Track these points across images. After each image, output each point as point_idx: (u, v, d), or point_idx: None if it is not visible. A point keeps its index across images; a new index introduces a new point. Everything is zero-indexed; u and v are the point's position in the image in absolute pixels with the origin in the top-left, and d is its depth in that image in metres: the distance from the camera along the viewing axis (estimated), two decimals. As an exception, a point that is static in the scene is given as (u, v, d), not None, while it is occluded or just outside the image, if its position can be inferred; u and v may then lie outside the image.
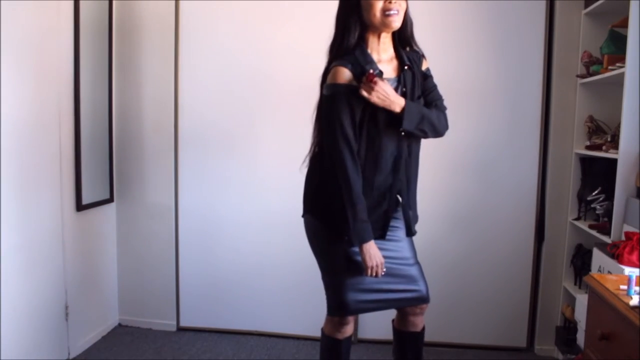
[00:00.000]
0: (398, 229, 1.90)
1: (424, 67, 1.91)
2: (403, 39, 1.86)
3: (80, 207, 2.68)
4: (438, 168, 2.83)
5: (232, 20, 2.89)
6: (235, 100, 2.92)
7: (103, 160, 2.92)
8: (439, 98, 1.91)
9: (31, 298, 2.37)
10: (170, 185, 2.98)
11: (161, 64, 2.93)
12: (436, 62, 2.73)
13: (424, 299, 1.95)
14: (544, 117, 2.76)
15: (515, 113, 2.78)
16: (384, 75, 1.77)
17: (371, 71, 1.70)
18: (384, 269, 1.79)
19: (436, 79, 2.75)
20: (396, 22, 1.75)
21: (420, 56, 1.90)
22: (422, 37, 2.75)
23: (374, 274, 1.78)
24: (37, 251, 2.41)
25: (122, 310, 3.12)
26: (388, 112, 1.74)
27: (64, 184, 2.57)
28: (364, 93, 1.70)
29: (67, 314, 2.63)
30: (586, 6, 2.61)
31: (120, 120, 2.99)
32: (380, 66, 1.78)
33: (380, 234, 1.85)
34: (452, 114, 2.75)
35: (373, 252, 1.77)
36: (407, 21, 1.82)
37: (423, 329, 2.05)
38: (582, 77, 2.61)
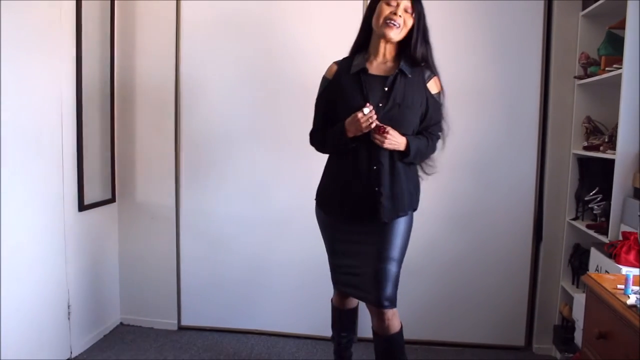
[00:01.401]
0: (382, 228, 1.99)
1: (433, 90, 2.01)
2: (412, 57, 1.96)
3: (82, 207, 2.69)
4: (437, 168, 2.84)
5: (233, 20, 2.89)
6: (236, 100, 2.93)
7: (105, 161, 2.93)
8: (436, 123, 2.05)
9: (33, 297, 2.39)
10: (172, 185, 3.00)
11: (163, 64, 2.94)
12: (436, 62, 2.77)
13: (377, 304, 2.00)
14: (542, 117, 2.78)
15: (513, 114, 2.79)
16: (370, 72, 1.98)
17: (382, 125, 1.87)
18: (367, 113, 1.86)
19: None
20: (391, 34, 1.92)
21: (430, 75, 2.00)
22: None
23: (369, 124, 1.86)
24: (39, 251, 2.42)
25: (123, 309, 3.13)
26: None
27: (66, 184, 2.58)
28: (378, 142, 1.89)
29: (69, 313, 2.64)
30: (584, 7, 2.63)
31: (122, 121, 3.00)
32: (371, 66, 1.99)
33: (365, 216, 1.97)
34: (451, 115, 2.79)
35: (348, 123, 1.90)
36: (415, 41, 1.95)
37: (394, 334, 2.03)
38: (580, 78, 2.62)
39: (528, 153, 2.80)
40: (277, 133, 2.91)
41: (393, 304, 2.00)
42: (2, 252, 2.17)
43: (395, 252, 1.99)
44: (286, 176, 2.89)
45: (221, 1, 2.89)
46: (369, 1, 2.03)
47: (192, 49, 2.93)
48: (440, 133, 2.09)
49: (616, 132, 2.25)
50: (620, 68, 2.20)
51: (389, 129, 1.88)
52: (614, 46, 2.38)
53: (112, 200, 3.00)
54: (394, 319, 2.02)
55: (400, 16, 1.90)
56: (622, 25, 2.25)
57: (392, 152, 1.94)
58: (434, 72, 2.02)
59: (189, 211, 3.03)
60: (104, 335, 2.96)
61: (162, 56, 2.94)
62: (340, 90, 2.00)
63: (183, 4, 2.91)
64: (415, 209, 2.09)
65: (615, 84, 2.30)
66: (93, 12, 2.73)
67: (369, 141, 1.91)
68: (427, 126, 2.02)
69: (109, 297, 3.02)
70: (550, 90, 2.75)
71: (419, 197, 2.11)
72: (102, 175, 2.92)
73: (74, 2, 2.56)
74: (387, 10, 1.91)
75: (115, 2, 2.90)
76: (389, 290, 1.98)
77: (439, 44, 2.74)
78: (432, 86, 2.01)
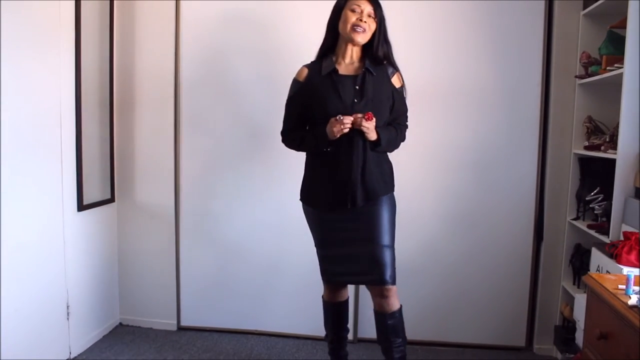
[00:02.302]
0: (369, 213, 2.13)
1: (397, 84, 2.21)
2: (375, 56, 2.15)
3: (81, 207, 2.69)
4: (437, 168, 2.84)
5: (233, 19, 2.89)
6: (236, 99, 2.93)
7: (104, 160, 2.93)
8: (402, 114, 2.25)
9: (32, 297, 2.38)
10: (171, 185, 2.99)
11: (162, 63, 2.93)
12: (436, 62, 2.77)
13: (380, 282, 2.13)
14: (542, 117, 2.77)
15: (514, 113, 2.79)
16: (340, 72, 2.15)
17: (368, 112, 2.03)
18: (342, 118, 2.03)
19: (436, 80, 2.79)
20: (358, 38, 2.11)
21: (392, 71, 2.20)
22: (422, 38, 2.79)
23: (344, 126, 2.03)
24: (38, 251, 2.42)
25: (123, 309, 3.13)
26: (337, 104, 2.10)
27: (65, 184, 2.58)
28: (365, 130, 2.04)
29: (68, 314, 2.64)
30: (585, 7, 2.62)
31: (121, 120, 3.00)
32: (340, 67, 2.17)
33: (343, 203, 2.12)
34: (452, 115, 2.81)
35: (329, 130, 2.06)
36: (377, 42, 2.14)
37: (393, 313, 2.17)
38: (581, 77, 2.62)
39: (529, 153, 2.80)
40: (277, 131, 2.89)
41: (394, 281, 2.15)
42: (2, 253, 2.17)
43: (385, 237, 2.13)
44: (286, 177, 2.88)
45: (221, 1, 2.89)
46: (333, 6, 2.19)
47: (192, 48, 2.93)
48: (407, 123, 2.28)
49: (617, 131, 2.24)
50: (622, 67, 2.20)
51: (373, 117, 2.04)
52: (615, 45, 2.37)
53: (111, 200, 2.99)
54: (396, 296, 2.17)
55: (365, 22, 2.09)
56: (623, 25, 2.25)
57: (365, 143, 2.10)
58: (396, 69, 2.22)
59: (189, 211, 3.03)
60: (103, 336, 2.96)
61: (161, 56, 2.93)
62: (315, 91, 2.16)
63: (182, 3, 2.90)
64: (389, 193, 2.20)
65: (616, 83, 2.29)
66: (92, 12, 2.73)
67: (345, 136, 2.06)
68: (395, 117, 2.21)
69: (108, 298, 3.02)
70: (551, 90, 2.75)
71: (393, 182, 2.25)
72: (102, 175, 2.91)
73: (73, 1, 2.56)
74: (352, 17, 2.09)
75: (115, 1, 2.90)
76: (389, 269, 2.12)
77: (440, 44, 2.78)
78: (396, 81, 2.21)
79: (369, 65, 2.14)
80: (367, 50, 2.17)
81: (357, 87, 2.12)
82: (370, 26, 2.11)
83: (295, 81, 2.25)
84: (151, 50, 2.94)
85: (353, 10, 2.09)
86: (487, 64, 2.77)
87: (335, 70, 2.15)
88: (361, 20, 2.08)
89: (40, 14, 2.37)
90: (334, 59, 2.18)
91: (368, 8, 2.10)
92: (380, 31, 2.15)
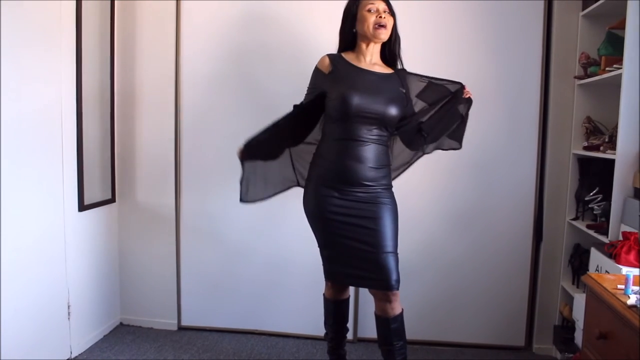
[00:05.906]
0: (373, 218, 2.13)
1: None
2: (391, 53, 2.22)
3: (82, 207, 2.69)
4: (437, 169, 2.85)
5: (234, 19, 2.89)
6: (237, 100, 2.93)
7: (105, 161, 2.93)
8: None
9: (33, 297, 2.39)
10: (172, 185, 3.00)
11: (163, 64, 2.94)
12: (435, 63, 2.77)
13: (386, 287, 2.12)
14: (542, 118, 2.78)
15: (513, 114, 2.79)
16: (372, 69, 2.18)
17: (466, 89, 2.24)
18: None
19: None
20: (383, 35, 2.15)
21: (407, 74, 2.25)
22: (421, 38, 2.79)
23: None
24: (39, 251, 2.42)
25: (123, 309, 3.13)
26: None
27: (66, 184, 2.58)
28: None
29: (69, 313, 2.64)
30: (584, 8, 2.63)
31: (122, 120, 3.00)
32: (361, 66, 2.18)
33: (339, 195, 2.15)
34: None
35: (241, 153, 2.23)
36: (394, 36, 2.20)
37: (396, 317, 2.17)
38: (580, 78, 2.63)
39: (528, 153, 2.80)
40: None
41: (399, 285, 2.14)
42: (3, 252, 2.17)
43: (389, 243, 2.13)
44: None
45: (221, 0, 2.89)
46: (344, 11, 2.23)
47: (193, 48, 2.93)
48: None
49: (616, 132, 2.25)
50: (621, 68, 2.20)
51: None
52: (614, 46, 2.38)
53: (112, 200, 3.00)
54: (399, 301, 2.18)
55: (384, 18, 2.13)
56: (622, 25, 2.25)
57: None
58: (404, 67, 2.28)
59: (189, 211, 3.03)
60: (104, 335, 2.96)
61: (162, 56, 2.94)
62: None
63: (183, 3, 2.91)
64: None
65: (615, 84, 2.30)
66: (93, 12, 2.73)
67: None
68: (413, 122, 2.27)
69: (109, 297, 3.02)
70: (551, 90, 2.75)
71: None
72: (102, 175, 2.92)
73: (74, 1, 2.56)
74: (371, 17, 2.12)
75: (116, 1, 2.90)
76: (394, 273, 2.11)
77: (439, 44, 2.78)
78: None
79: (396, 68, 2.22)
80: (383, 47, 2.22)
81: (403, 91, 2.19)
82: (389, 21, 2.16)
83: (316, 69, 2.25)
84: (152, 50, 2.95)
85: (369, 11, 2.13)
86: (487, 65, 2.78)
87: (356, 66, 2.18)
88: (381, 17, 2.12)
89: (41, 14, 2.37)
90: (357, 56, 2.22)
91: (382, 5, 2.14)
92: (395, 26, 2.20)
